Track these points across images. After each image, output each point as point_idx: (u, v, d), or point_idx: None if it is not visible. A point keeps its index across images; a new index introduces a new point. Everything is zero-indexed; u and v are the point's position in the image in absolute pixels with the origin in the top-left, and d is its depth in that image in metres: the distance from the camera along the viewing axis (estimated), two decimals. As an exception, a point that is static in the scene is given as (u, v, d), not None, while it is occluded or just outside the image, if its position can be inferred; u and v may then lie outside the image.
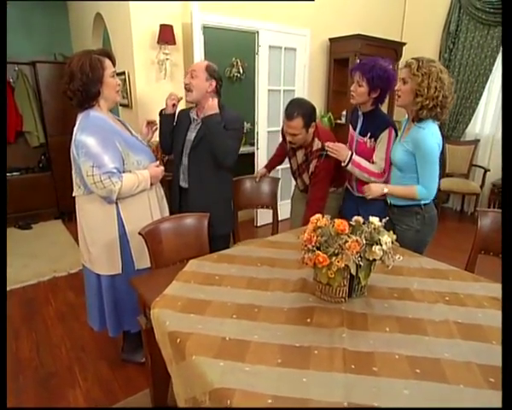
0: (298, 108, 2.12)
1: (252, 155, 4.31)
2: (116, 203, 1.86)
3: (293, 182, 2.65)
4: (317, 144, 2.21)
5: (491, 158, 4.65)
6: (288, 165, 2.50)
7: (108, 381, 2.09)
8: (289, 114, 2.12)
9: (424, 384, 0.98)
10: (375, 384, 0.98)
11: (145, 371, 2.11)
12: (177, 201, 2.31)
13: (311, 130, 2.19)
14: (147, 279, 1.62)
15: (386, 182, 2.25)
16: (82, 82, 1.73)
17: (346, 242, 1.24)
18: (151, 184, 1.93)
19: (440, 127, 5.19)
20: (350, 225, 1.32)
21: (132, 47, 2.80)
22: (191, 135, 2.19)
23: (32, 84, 4.39)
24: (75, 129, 1.80)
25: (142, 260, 1.95)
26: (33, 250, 3.76)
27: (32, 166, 4.60)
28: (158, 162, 2.00)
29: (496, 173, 4.52)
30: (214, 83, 2.15)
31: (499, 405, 0.91)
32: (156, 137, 2.77)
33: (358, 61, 4.20)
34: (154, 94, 2.97)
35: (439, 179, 4.69)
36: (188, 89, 2.13)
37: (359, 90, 2.12)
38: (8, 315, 2.69)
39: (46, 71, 4.28)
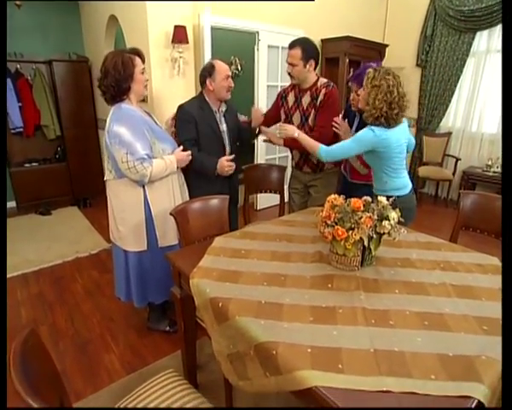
0: (299, 41, 2.16)
1: (252, 145, 4.33)
2: (143, 187, 1.89)
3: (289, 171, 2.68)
4: (321, 81, 2.24)
5: (461, 148, 4.78)
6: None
7: (138, 347, 2.14)
8: (291, 43, 2.17)
9: (433, 333, 1.06)
10: (394, 334, 1.05)
11: (170, 338, 2.18)
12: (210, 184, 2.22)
13: (310, 68, 2.17)
14: (179, 254, 1.65)
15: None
16: (115, 78, 1.75)
17: (361, 217, 1.31)
18: (177, 168, 1.97)
19: (418, 121, 5.22)
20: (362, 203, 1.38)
21: (148, 46, 2.77)
22: (223, 127, 2.24)
23: (48, 82, 4.28)
24: (108, 120, 1.82)
25: (165, 238, 2.00)
26: (55, 234, 3.74)
27: (49, 157, 4.53)
28: (182, 147, 2.03)
29: (465, 162, 4.67)
30: None
31: (493, 348, 1.00)
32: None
33: (347, 60, 4.25)
34: (168, 89, 2.96)
35: (418, 167, 4.81)
36: (230, 90, 2.20)
37: (357, 99, 2.14)
38: (42, 291, 2.71)
39: (61, 69, 4.19)
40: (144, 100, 3.09)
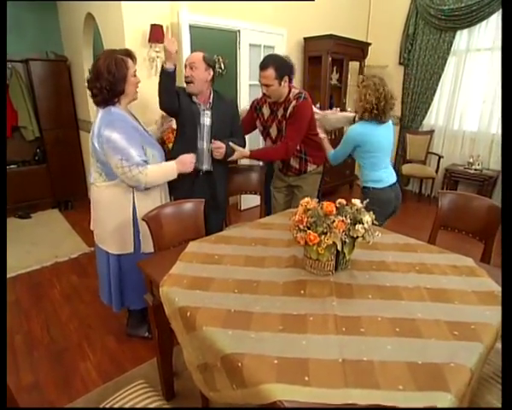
0: (271, 60, 2.11)
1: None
2: (132, 192, 1.85)
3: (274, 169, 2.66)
4: (293, 92, 2.19)
5: (444, 146, 4.81)
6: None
7: (116, 354, 2.08)
8: (262, 64, 2.11)
9: (403, 340, 1.04)
10: (364, 342, 1.03)
11: (149, 344, 2.13)
12: (191, 183, 2.18)
13: (285, 84, 2.14)
14: (152, 261, 1.61)
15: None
16: (108, 81, 1.70)
17: (334, 222, 1.28)
18: (180, 172, 1.92)
19: (401, 119, 5.28)
20: (335, 207, 1.36)
21: (125, 45, 2.69)
22: (206, 120, 2.14)
23: (25, 81, 4.14)
24: (97, 123, 1.76)
25: (148, 245, 1.94)
26: (34, 238, 3.63)
27: (27, 159, 4.39)
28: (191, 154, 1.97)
29: (448, 159, 4.70)
30: (212, 71, 2.11)
31: (462, 354, 0.98)
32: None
33: (330, 59, 4.23)
34: (146, 89, 2.85)
35: (401, 165, 4.85)
36: (189, 81, 2.06)
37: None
38: (18, 298, 2.62)
39: (39, 68, 4.05)
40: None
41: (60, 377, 1.91)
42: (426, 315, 1.15)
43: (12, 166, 4.21)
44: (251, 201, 4.28)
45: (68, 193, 4.52)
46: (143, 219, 1.68)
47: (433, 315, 1.15)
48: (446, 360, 0.96)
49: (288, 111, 2.18)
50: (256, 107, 2.36)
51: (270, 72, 2.07)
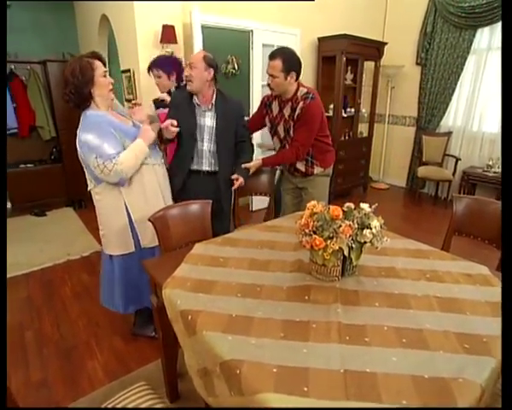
0: (280, 52, 2.09)
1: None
2: (122, 192, 1.84)
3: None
4: (301, 91, 2.16)
5: (462, 148, 4.67)
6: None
7: (122, 353, 2.09)
8: (272, 53, 2.09)
9: (409, 352, 1.00)
10: (367, 353, 0.99)
11: (155, 344, 2.13)
12: (182, 183, 2.20)
13: (291, 80, 2.10)
14: (157, 262, 1.61)
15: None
16: (74, 85, 1.70)
17: (340, 226, 1.24)
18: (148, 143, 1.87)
19: (418, 120, 5.18)
20: (343, 211, 1.32)
21: (137, 46, 2.73)
22: (208, 121, 2.13)
23: (43, 82, 4.26)
24: (78, 130, 1.77)
25: (147, 239, 1.94)
26: (48, 235, 3.71)
27: (44, 158, 4.52)
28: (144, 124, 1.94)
29: (466, 162, 4.56)
30: (212, 71, 2.10)
31: (472, 368, 0.93)
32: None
33: (345, 59, 4.17)
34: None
35: (417, 167, 4.75)
36: (188, 80, 2.07)
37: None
38: (30, 295, 2.68)
39: (56, 69, 4.15)
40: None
41: (68, 376, 1.93)
42: (434, 326, 1.10)
43: (29, 166, 4.33)
44: (262, 202, 4.26)
45: (82, 192, 4.58)
46: (149, 220, 1.68)
47: (443, 326, 1.10)
48: (455, 375, 0.91)
49: (296, 112, 2.14)
50: (266, 103, 2.34)
51: (277, 62, 2.04)
